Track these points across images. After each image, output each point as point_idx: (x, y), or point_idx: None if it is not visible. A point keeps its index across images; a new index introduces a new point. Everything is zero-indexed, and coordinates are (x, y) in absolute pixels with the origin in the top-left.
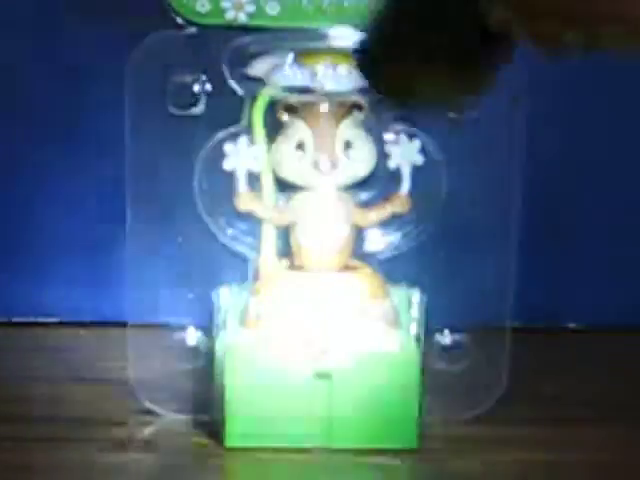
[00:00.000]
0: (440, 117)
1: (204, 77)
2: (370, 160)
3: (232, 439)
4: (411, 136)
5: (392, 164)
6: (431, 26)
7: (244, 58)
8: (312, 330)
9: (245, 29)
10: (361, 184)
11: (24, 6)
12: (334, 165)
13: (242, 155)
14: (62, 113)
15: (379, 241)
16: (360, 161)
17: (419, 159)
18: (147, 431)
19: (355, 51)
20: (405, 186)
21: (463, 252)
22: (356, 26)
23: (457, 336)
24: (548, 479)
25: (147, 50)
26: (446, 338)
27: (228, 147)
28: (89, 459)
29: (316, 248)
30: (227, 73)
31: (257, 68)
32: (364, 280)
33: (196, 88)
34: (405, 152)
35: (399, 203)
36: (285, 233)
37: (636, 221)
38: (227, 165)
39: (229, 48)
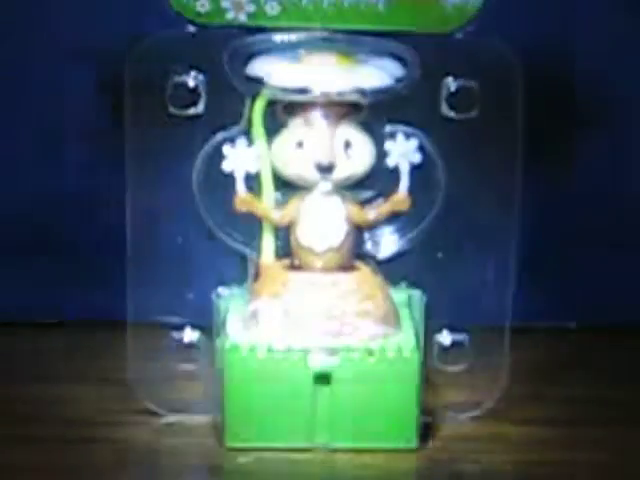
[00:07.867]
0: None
1: (204, 77)
2: (369, 159)
3: (232, 439)
4: (409, 135)
5: (390, 163)
6: None
7: (244, 58)
8: (312, 330)
9: (245, 29)
10: (360, 183)
11: None
12: (333, 165)
13: (241, 156)
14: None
15: (379, 241)
16: (359, 160)
17: (417, 158)
18: (147, 431)
19: None
20: (404, 185)
21: (463, 252)
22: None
23: (457, 336)
24: (548, 479)
25: (147, 50)
26: (446, 338)
27: (226, 149)
28: (89, 459)
29: (316, 248)
30: (227, 73)
31: (257, 68)
32: (364, 280)
33: (196, 88)
34: (403, 151)
35: (398, 202)
36: (285, 233)
37: (637, 221)
38: (226, 166)
39: (229, 48)
